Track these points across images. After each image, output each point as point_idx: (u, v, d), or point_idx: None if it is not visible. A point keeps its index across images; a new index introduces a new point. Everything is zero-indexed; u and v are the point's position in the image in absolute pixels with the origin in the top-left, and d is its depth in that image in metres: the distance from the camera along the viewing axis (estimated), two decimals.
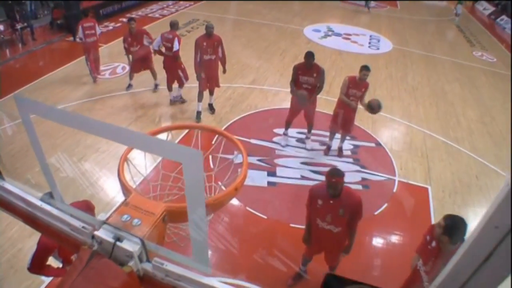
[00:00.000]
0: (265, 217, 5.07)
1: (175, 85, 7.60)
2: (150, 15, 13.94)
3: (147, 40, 7.64)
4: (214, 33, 6.75)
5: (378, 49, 11.70)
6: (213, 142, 5.99)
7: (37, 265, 2.85)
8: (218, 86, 7.25)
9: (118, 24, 12.69)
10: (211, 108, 7.46)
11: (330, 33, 12.78)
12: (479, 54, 12.54)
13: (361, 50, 11.44)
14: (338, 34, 12.65)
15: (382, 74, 9.81)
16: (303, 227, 4.75)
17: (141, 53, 7.66)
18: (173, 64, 7.28)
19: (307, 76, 5.86)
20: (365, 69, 5.74)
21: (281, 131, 6.77)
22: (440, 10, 17.93)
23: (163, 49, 7.27)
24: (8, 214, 1.54)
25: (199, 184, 1.06)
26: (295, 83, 5.94)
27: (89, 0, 12.78)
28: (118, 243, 1.17)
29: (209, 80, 6.98)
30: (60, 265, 3.05)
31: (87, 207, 3.06)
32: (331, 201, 3.41)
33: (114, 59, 9.69)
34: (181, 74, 7.45)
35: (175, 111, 7.58)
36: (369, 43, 12.13)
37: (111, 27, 12.39)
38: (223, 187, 3.26)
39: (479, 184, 6.15)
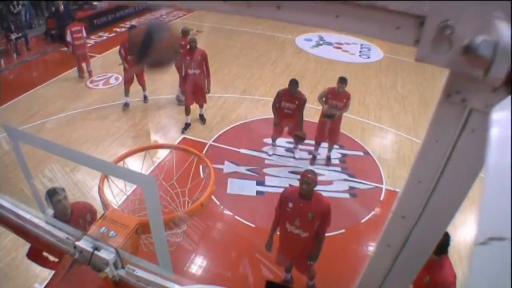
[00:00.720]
0: (253, 225, 5.17)
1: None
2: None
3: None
4: (198, 48, 6.78)
5: (368, 58, 11.88)
6: (203, 152, 6.11)
7: (34, 253, 3.02)
8: (204, 102, 7.32)
9: (112, 34, 12.86)
10: (201, 118, 7.55)
11: (321, 42, 12.95)
12: None
13: (352, 59, 11.61)
14: (329, 43, 12.83)
15: (372, 83, 9.96)
16: None
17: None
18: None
19: (289, 102, 5.97)
20: (341, 81, 5.92)
21: (270, 140, 6.89)
22: None
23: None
24: (1, 226, 1.67)
25: (156, 204, 1.17)
26: (277, 107, 6.08)
27: (83, 10, 12.98)
28: (96, 252, 1.30)
29: (195, 95, 7.06)
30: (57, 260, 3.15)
31: (89, 209, 3.22)
32: (301, 204, 3.56)
33: (107, 69, 9.82)
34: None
35: (166, 122, 7.68)
36: (360, 52, 12.29)
37: (105, 37, 12.56)
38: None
39: (467, 194, 6.26)
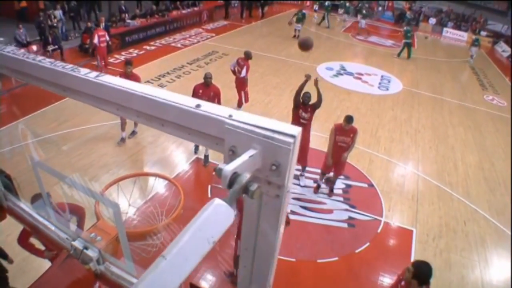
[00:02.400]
0: None
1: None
2: (172, 44, 14.90)
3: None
4: (212, 84, 6.85)
5: (387, 89, 12.08)
6: (214, 173, 6.47)
7: (22, 240, 3.59)
8: None
9: (142, 52, 13.67)
10: (206, 160, 7.23)
11: (342, 71, 13.28)
12: (489, 98, 12.72)
13: (371, 90, 11.85)
14: (350, 73, 13.13)
15: (387, 116, 10.15)
16: (286, 258, 5.19)
17: None
18: (239, 86, 8.95)
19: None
20: (347, 120, 5.96)
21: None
22: (458, 51, 18.17)
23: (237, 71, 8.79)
24: (22, 224, 2.12)
25: (120, 223, 1.54)
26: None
27: (116, 27, 13.91)
28: (85, 250, 1.69)
29: None
30: (43, 248, 3.65)
31: (76, 210, 3.64)
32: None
33: None
34: (243, 95, 9.04)
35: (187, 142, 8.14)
36: (380, 83, 12.53)
37: (134, 54, 13.35)
38: None
39: (466, 230, 6.33)
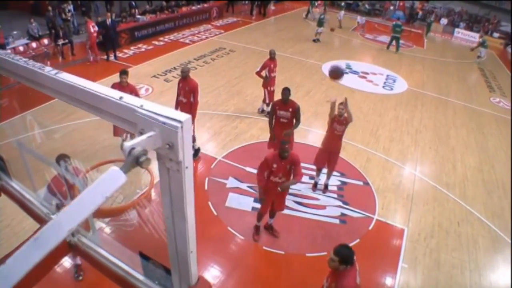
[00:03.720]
0: (242, 237, 5.60)
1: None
2: (181, 40, 15.09)
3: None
4: (190, 78, 6.97)
5: (392, 89, 12.07)
6: (212, 167, 6.72)
7: None
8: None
9: (150, 47, 13.89)
10: (195, 153, 7.31)
11: (347, 70, 13.27)
12: (496, 100, 12.60)
13: (374, 89, 11.85)
14: (355, 72, 13.14)
15: (388, 115, 10.16)
16: (276, 250, 5.34)
17: None
18: (264, 85, 9.04)
19: (283, 111, 6.50)
20: (341, 104, 6.13)
21: None
22: (468, 52, 17.85)
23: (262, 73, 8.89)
24: (12, 201, 2.30)
25: None
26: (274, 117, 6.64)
27: (126, 22, 14.16)
28: None
29: None
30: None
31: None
32: (283, 163, 4.92)
33: (140, 80, 10.68)
34: (266, 94, 9.08)
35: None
36: (384, 83, 12.51)
37: (143, 49, 13.58)
38: None
39: (459, 231, 6.36)
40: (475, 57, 16.82)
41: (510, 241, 6.23)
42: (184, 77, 6.95)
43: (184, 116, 0.98)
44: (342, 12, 19.63)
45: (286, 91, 6.47)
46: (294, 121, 6.57)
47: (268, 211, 5.47)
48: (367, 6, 23.52)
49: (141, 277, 1.51)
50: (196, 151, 7.39)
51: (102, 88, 1.20)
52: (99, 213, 2.12)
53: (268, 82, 8.99)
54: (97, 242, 1.75)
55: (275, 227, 5.70)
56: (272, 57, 8.83)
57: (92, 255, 1.78)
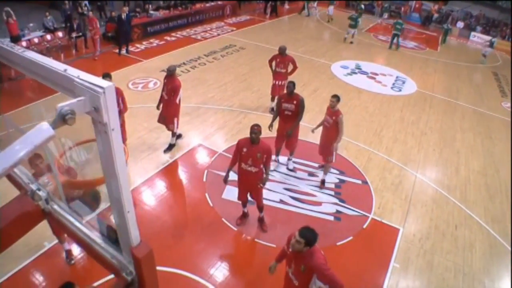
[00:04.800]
0: (235, 229, 5.68)
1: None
2: (193, 36, 15.25)
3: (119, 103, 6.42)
4: (175, 77, 6.95)
5: (400, 90, 11.96)
6: (212, 159, 6.82)
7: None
8: (167, 127, 7.30)
9: (162, 42, 14.09)
10: (168, 148, 7.45)
11: (357, 70, 13.22)
12: (507, 105, 12.35)
13: (383, 90, 11.77)
14: (364, 73, 13.06)
15: (394, 116, 10.08)
16: (267, 243, 5.41)
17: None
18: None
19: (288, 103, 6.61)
20: (333, 96, 6.34)
21: (276, 157, 7.39)
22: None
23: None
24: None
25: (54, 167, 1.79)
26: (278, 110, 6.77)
27: (139, 17, 14.39)
28: (37, 191, 1.96)
29: (161, 116, 7.22)
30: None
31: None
32: (253, 148, 4.94)
33: (149, 74, 10.88)
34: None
35: (189, 128, 8.39)
36: (393, 84, 12.41)
37: (155, 44, 13.79)
38: None
39: (455, 234, 6.30)
40: (492, 62, 16.60)
41: (509, 247, 6.14)
42: (170, 75, 6.90)
43: (106, 84, 1.08)
44: (332, 7, 20.20)
45: (290, 85, 6.63)
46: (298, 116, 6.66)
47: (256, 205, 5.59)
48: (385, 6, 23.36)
49: (99, 240, 1.60)
50: (175, 140, 7.57)
51: (54, 63, 1.32)
52: (77, 185, 2.23)
53: (273, 75, 9.17)
54: (66, 210, 1.85)
55: (265, 221, 5.77)
56: (279, 53, 8.94)
57: (62, 221, 1.88)
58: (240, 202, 5.66)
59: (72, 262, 4.77)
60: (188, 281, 4.80)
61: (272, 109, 9.39)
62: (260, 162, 5.03)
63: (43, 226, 5.11)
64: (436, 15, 21.95)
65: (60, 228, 1.95)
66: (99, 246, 1.58)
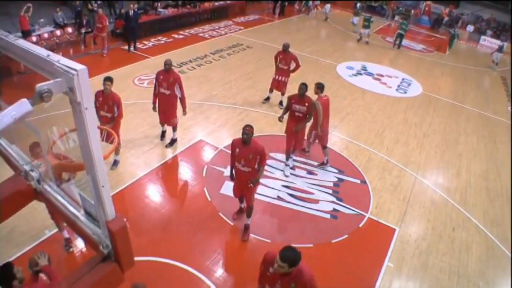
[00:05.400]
0: (231, 223, 5.77)
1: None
2: (200, 34, 15.39)
3: (115, 111, 6.26)
4: (172, 70, 6.98)
5: (405, 92, 11.94)
6: (212, 155, 6.91)
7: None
8: (170, 123, 7.37)
9: (170, 40, 14.25)
10: (170, 143, 7.58)
11: (362, 71, 13.23)
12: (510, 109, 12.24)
13: (387, 92, 11.76)
14: (370, 74, 13.06)
15: (397, 118, 10.08)
16: (262, 238, 5.49)
17: (109, 121, 6.23)
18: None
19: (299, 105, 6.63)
20: (316, 85, 6.71)
21: (275, 155, 7.48)
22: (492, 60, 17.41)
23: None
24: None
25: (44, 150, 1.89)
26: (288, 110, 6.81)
27: (148, 14, 14.57)
28: (30, 172, 2.07)
29: (163, 113, 7.28)
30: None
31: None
32: (244, 149, 4.96)
33: (155, 70, 10.92)
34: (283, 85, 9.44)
35: (192, 123, 8.51)
36: (399, 86, 12.39)
37: (162, 41, 13.95)
38: None
39: (452, 236, 6.30)
40: (502, 66, 16.45)
41: (507, 251, 6.11)
42: (167, 70, 6.91)
43: (80, 66, 1.19)
44: (328, 6, 20.65)
45: (302, 86, 6.59)
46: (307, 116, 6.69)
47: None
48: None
49: (82, 218, 1.70)
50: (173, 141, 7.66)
51: (39, 50, 1.44)
52: (66, 168, 2.34)
53: (275, 70, 9.42)
54: (57, 190, 1.95)
55: (249, 231, 5.59)
56: (283, 50, 9.11)
57: (52, 200, 1.99)
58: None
59: (71, 249, 4.91)
60: (183, 272, 4.89)
61: (267, 98, 9.83)
62: (253, 163, 5.01)
63: (45, 216, 5.29)
64: (446, 18, 21.77)
65: (51, 207, 2.05)
66: (82, 222, 1.68)
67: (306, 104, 6.56)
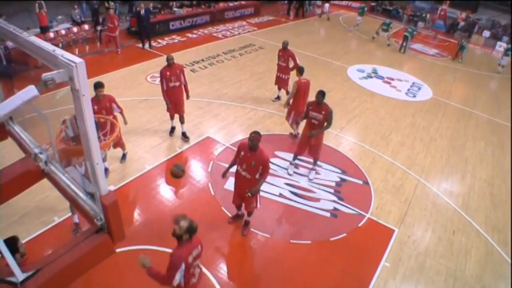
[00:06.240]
0: (231, 214, 5.95)
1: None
2: (214, 34, 15.65)
3: (115, 109, 6.42)
4: (175, 63, 7.29)
5: (414, 96, 11.94)
6: (219, 152, 7.11)
7: None
8: (182, 112, 7.75)
9: (183, 39, 14.55)
10: (184, 136, 7.97)
11: (373, 74, 13.26)
12: None
13: (396, 95, 11.78)
14: (380, 77, 13.09)
15: (405, 121, 10.11)
16: (262, 233, 5.65)
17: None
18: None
19: (316, 112, 6.61)
20: (317, 96, 6.47)
21: (281, 154, 7.64)
22: (507, 66, 17.17)
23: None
24: (12, 139, 2.75)
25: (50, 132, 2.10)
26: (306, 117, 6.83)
27: (163, 13, 14.88)
28: (39, 154, 2.29)
29: (175, 105, 7.60)
30: None
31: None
32: (248, 154, 4.99)
33: None
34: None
35: (200, 120, 8.73)
36: (408, 89, 12.38)
37: (176, 40, 14.26)
38: None
39: (452, 239, 6.35)
40: (499, 67, 16.39)
41: (507, 257, 6.12)
42: (171, 64, 7.21)
43: (78, 60, 1.40)
44: (327, 5, 21.19)
45: (319, 95, 6.48)
46: (325, 123, 6.65)
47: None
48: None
49: (82, 195, 1.90)
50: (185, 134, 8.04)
51: (46, 45, 1.65)
52: (72, 152, 2.55)
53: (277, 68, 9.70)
54: (61, 170, 2.16)
55: (249, 227, 5.78)
56: (282, 47, 9.36)
57: (56, 180, 2.20)
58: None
59: (78, 235, 5.15)
60: None
61: (277, 97, 10.10)
62: (254, 171, 5.00)
63: (55, 204, 5.56)
64: (462, 23, 21.53)
65: (56, 187, 2.26)
66: (81, 200, 1.88)
67: (323, 112, 6.50)
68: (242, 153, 5.04)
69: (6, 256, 1.64)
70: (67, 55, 1.44)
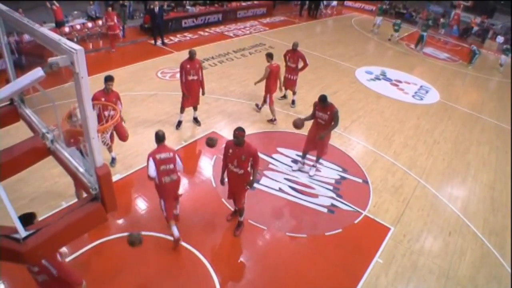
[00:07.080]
0: (232, 209, 6.14)
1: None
2: (225, 33, 15.89)
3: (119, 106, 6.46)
4: (196, 58, 7.78)
5: (421, 99, 11.98)
6: (222, 146, 7.32)
7: None
8: (198, 103, 8.32)
9: (195, 36, 14.83)
10: (196, 121, 8.58)
11: (381, 77, 13.33)
12: None
13: (403, 98, 11.84)
14: (388, 79, 13.15)
15: (409, 123, 10.18)
16: (259, 225, 5.84)
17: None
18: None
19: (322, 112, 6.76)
20: (319, 99, 6.61)
21: (284, 150, 7.83)
22: None
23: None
24: (24, 122, 2.98)
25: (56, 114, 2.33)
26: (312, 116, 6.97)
27: (176, 11, 15.19)
28: (46, 134, 2.52)
29: (193, 98, 8.04)
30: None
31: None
32: (236, 150, 5.14)
33: (178, 65, 11.50)
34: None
35: (207, 115, 8.96)
36: (416, 92, 12.43)
37: (188, 38, 14.54)
38: None
39: (447, 240, 6.44)
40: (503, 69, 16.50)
41: (504, 262, 6.17)
42: (193, 58, 7.68)
43: (78, 47, 1.64)
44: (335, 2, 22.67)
45: (322, 98, 6.61)
46: (332, 123, 6.77)
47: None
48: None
49: (81, 170, 2.12)
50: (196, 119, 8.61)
51: (52, 35, 1.86)
52: (77, 133, 2.79)
53: (285, 69, 9.80)
54: (65, 148, 2.39)
55: (242, 228, 5.82)
56: (292, 48, 9.56)
57: (60, 157, 2.43)
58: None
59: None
60: (181, 248, 5.33)
61: (283, 96, 10.23)
62: (245, 164, 5.16)
63: (63, 189, 5.84)
64: (475, 28, 21.38)
65: (60, 164, 2.48)
66: (80, 173, 2.10)
67: (328, 112, 6.64)
68: (230, 150, 5.17)
69: (10, 211, 1.85)
70: (69, 43, 1.66)
